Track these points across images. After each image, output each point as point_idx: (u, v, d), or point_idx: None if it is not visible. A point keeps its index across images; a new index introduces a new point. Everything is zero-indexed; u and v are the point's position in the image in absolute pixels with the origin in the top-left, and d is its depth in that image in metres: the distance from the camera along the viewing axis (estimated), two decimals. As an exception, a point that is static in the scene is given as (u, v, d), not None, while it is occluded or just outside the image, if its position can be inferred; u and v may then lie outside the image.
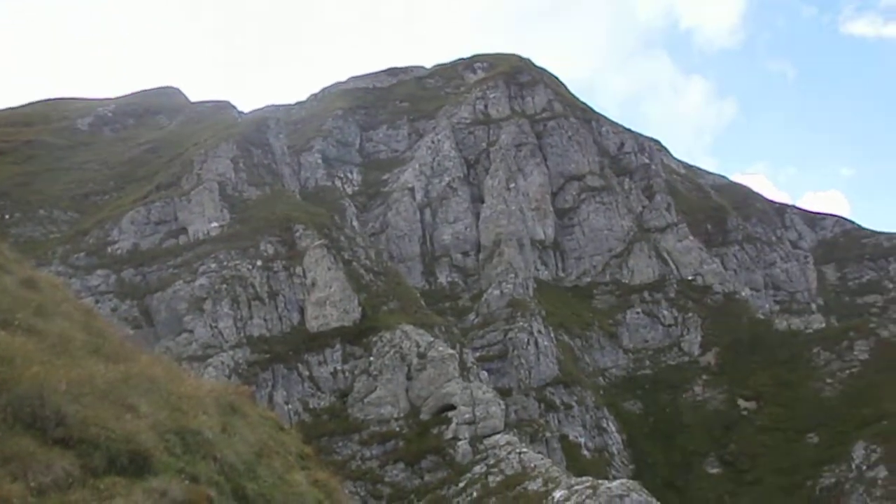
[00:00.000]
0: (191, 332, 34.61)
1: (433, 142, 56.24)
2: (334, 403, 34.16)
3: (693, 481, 36.73)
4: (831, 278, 62.22)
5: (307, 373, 34.73)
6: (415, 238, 49.38)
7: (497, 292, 44.76)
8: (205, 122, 52.48)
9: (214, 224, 39.83)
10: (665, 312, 49.35)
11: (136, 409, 6.27)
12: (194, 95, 66.53)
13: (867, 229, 70.00)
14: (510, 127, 56.95)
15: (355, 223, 47.52)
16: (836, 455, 36.50)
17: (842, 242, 66.77)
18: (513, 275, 45.43)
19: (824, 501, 34.25)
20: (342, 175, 55.29)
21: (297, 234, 39.67)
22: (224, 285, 36.00)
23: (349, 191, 53.71)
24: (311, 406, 34.03)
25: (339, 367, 35.13)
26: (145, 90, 62.84)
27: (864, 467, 35.12)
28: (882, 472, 34.49)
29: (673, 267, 52.77)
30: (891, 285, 60.75)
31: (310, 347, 35.55)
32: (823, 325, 47.79)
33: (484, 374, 38.29)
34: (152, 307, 35.71)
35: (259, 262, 37.76)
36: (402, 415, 33.85)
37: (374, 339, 35.98)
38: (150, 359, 8.27)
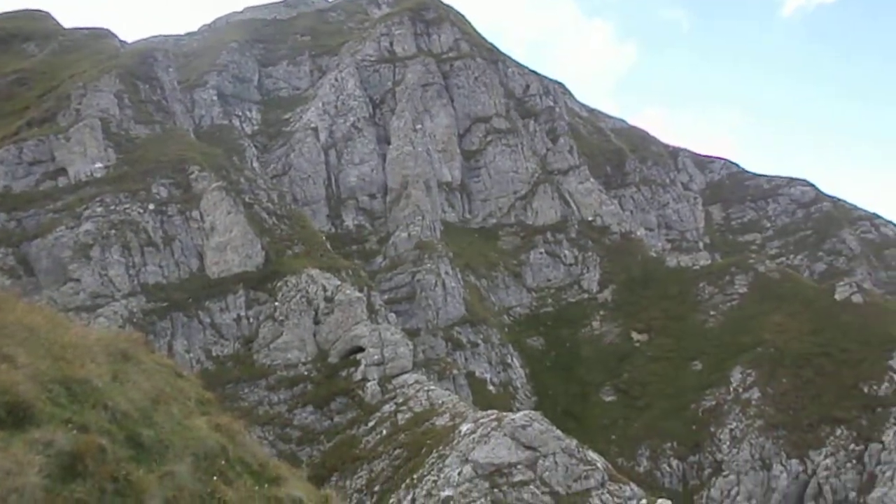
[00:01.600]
0: (77, 281, 32.39)
1: (337, 80, 54.29)
2: (239, 350, 33.38)
3: (590, 409, 39.17)
4: (717, 218, 66.61)
5: (209, 320, 33.59)
6: (319, 180, 48.07)
7: (404, 235, 44.69)
8: (81, 51, 47.87)
9: (98, 165, 36.94)
10: (566, 252, 51.23)
11: (13, 359, 5.80)
12: (67, 21, 60.43)
13: (750, 172, 75.03)
14: (416, 66, 55.82)
15: (255, 164, 45.60)
16: (717, 380, 39.80)
17: (727, 184, 71.36)
18: (420, 217, 45.41)
19: (705, 421, 37.49)
20: (240, 113, 52.57)
21: (193, 176, 37.58)
22: (113, 231, 33.76)
23: (248, 130, 51.23)
24: (214, 354, 33.08)
25: (242, 314, 34.18)
26: (8, 13, 56.19)
27: (741, 390, 38.53)
28: (755, 393, 37.98)
29: (574, 208, 54.54)
30: (768, 224, 65.94)
31: (210, 294, 34.28)
32: (709, 261, 51.24)
33: (392, 316, 38.53)
34: (31, 255, 33.00)
35: (151, 206, 35.58)
36: (309, 359, 33.62)
37: (279, 284, 35.17)
38: (29, 307, 7.66)
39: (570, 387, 41.12)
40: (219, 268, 35.17)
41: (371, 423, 30.65)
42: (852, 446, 33.67)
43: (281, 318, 34.04)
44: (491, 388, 39.93)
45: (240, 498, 6.35)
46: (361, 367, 32.62)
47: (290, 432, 31.64)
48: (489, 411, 27.69)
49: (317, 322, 34.39)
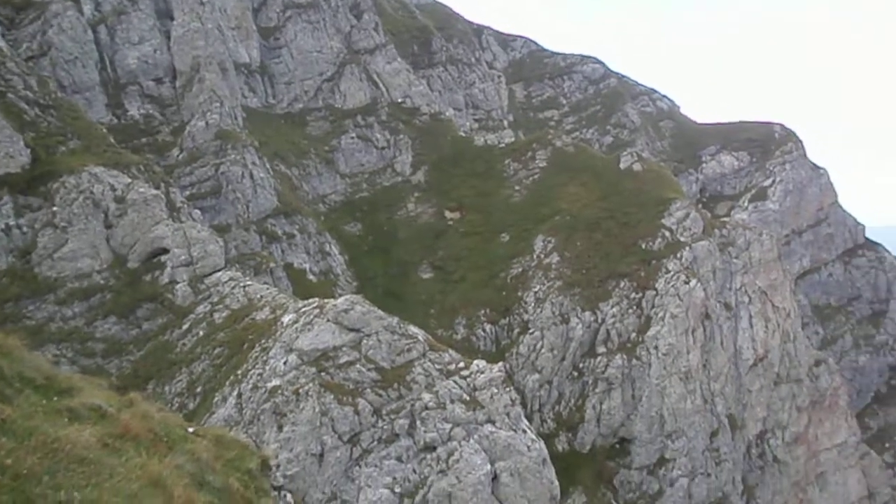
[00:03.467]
0: None
1: (98, -59, 45.90)
2: (14, 264, 29.19)
3: (410, 287, 40.68)
4: (519, 96, 69.49)
5: (-31, 232, 28.72)
6: (90, 63, 41.45)
7: (202, 124, 40.84)
8: None
9: None
10: (378, 136, 50.61)
11: None
12: None
13: (549, 50, 78.39)
14: (196, -72, 48.82)
15: (2, 44, 38.05)
16: (522, 249, 43.03)
17: (528, 62, 74.11)
18: (218, 103, 41.56)
19: (513, 287, 40.78)
20: (-27, -20, 42.81)
21: (-82, 59, 30.47)
22: None
23: (-13, 1, 42.16)
24: (-18, 271, 28.64)
25: (12, 223, 29.61)
26: None
27: (543, 256, 42.07)
28: (555, 258, 41.70)
29: (384, 90, 53.41)
30: (564, 101, 70.29)
31: (-33, 202, 29.11)
32: (513, 139, 53.79)
33: (197, 213, 35.86)
34: None
35: None
36: (105, 266, 30.48)
37: (55, 185, 30.74)
38: None
39: (390, 268, 42.17)
40: (-27, 171, 29.71)
41: (185, 326, 29.08)
42: (633, 295, 38.67)
43: (63, 224, 30.07)
44: (311, 277, 39.58)
45: (22, 414, 5.74)
46: (168, 270, 30.33)
47: (93, 346, 29.05)
48: (311, 300, 27.46)
49: (108, 226, 30.94)
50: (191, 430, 8.80)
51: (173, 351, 28.29)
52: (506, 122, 57.41)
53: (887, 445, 63.29)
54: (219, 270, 31.09)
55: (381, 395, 23.72)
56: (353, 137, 49.74)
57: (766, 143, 74.92)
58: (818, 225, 71.96)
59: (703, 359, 37.58)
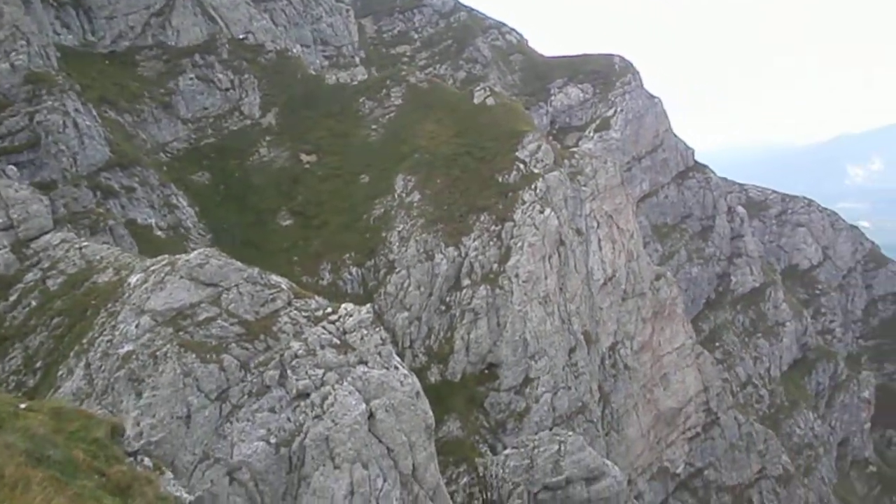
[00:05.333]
0: None
1: None
2: None
3: (269, 235, 39.07)
4: (370, 31, 67.38)
5: None
6: None
7: (5, 66, 35.54)
8: None
9: None
10: (220, 76, 47.03)
11: None
12: None
13: (395, -17, 76.22)
14: None
15: None
16: (383, 189, 42.65)
17: (376, -5, 71.75)
18: (24, 42, 36.19)
19: (377, 228, 40.52)
20: None
21: None
22: None
23: None
24: None
25: None
26: None
27: (404, 195, 42.01)
28: (416, 196, 41.80)
29: (222, 25, 49.38)
30: (416, 36, 69.19)
31: None
32: (366, 76, 52.27)
33: (12, 170, 31.67)
34: None
35: None
36: None
37: None
38: None
39: (246, 217, 40.13)
40: None
41: (13, 297, 26.05)
42: (493, 227, 39.88)
43: None
44: (159, 233, 36.74)
45: None
46: (-17, 236, 26.76)
47: None
48: (160, 257, 25.52)
49: None
50: (23, 406, 7.98)
51: (2, 326, 25.35)
52: (357, 59, 55.60)
53: (717, 344, 71.89)
54: (47, 233, 27.94)
55: (247, 349, 22.87)
56: (192, 78, 45.84)
57: (607, 75, 78.96)
58: (655, 151, 77.83)
59: (559, 283, 39.92)
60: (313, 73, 50.65)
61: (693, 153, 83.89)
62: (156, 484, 9.23)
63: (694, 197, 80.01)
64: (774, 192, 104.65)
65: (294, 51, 51.65)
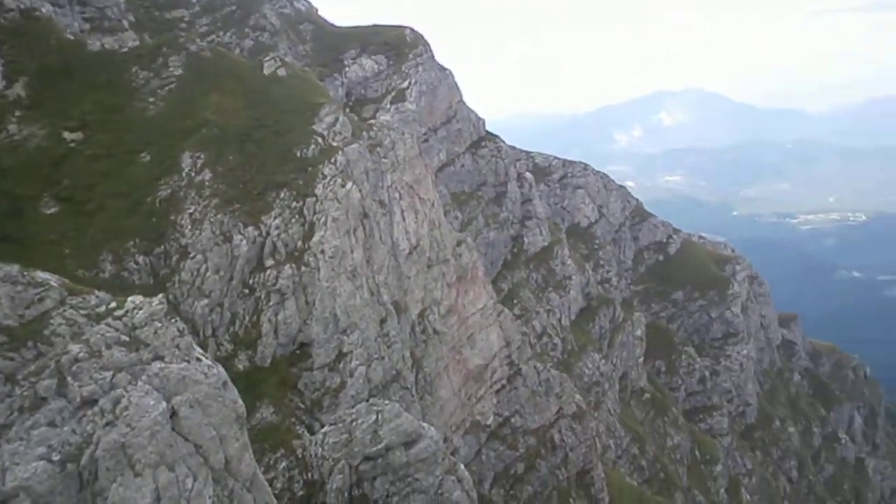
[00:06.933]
0: None
1: None
2: None
3: (30, 226, 33.78)
4: (137, -7, 60.46)
5: None
6: None
7: None
8: None
9: None
10: (-52, 40, 39.22)
11: None
12: None
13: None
14: None
15: None
16: (168, 168, 38.98)
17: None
18: None
19: (164, 211, 37.02)
20: None
21: None
22: None
23: None
24: None
25: None
26: None
27: (193, 174, 38.83)
28: (207, 175, 38.88)
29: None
30: (194, 0, 63.62)
31: None
32: (137, 42, 46.90)
33: None
34: None
35: None
36: None
37: None
38: None
39: (-1, 207, 34.27)
40: None
41: None
42: (294, 204, 38.54)
43: None
44: None
45: None
46: None
47: None
48: None
49: None
50: None
51: None
52: (126, 23, 49.56)
53: (515, 301, 77.52)
54: None
55: (12, 359, 19.81)
56: None
57: (399, 47, 79.76)
58: (449, 122, 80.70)
59: (365, 255, 39.94)
60: (71, 37, 44.31)
61: (484, 123, 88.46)
62: None
63: (487, 165, 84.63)
64: (556, 158, 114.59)
65: (44, 10, 44.63)
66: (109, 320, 21.21)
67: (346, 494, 27.35)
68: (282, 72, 47.44)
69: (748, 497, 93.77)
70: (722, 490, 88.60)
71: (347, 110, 56.76)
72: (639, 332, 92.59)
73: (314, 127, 43.18)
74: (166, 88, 43.12)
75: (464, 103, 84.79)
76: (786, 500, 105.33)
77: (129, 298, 22.19)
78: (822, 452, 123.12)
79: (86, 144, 38.11)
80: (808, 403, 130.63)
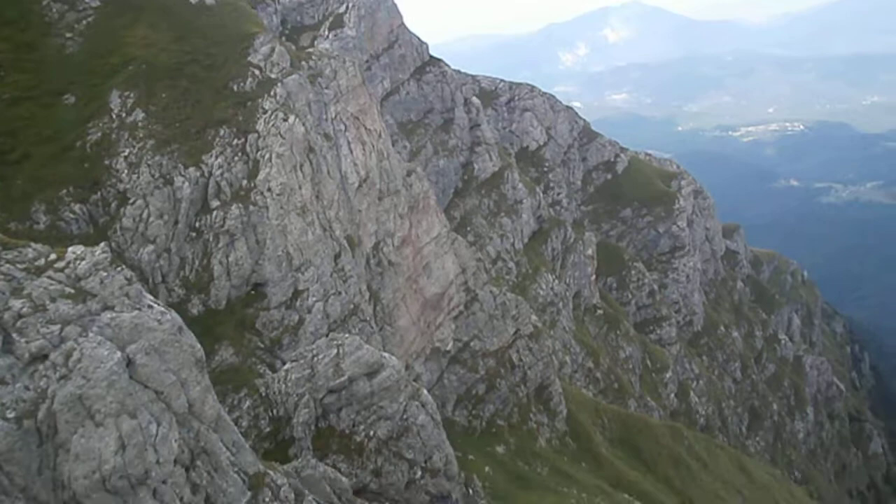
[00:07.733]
0: None
1: None
2: None
3: (-49, 180, 31.78)
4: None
5: None
6: None
7: None
8: None
9: None
10: None
11: None
12: None
13: None
14: None
15: None
16: (96, 110, 36.82)
17: None
18: None
19: (96, 156, 35.21)
20: None
21: None
22: None
23: None
24: None
25: None
26: None
27: (124, 115, 36.81)
28: (140, 115, 36.93)
29: None
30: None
31: None
32: (46, -27, 43.14)
33: None
34: None
35: None
36: None
37: None
38: None
39: (-87, 161, 31.98)
40: None
41: None
42: (235, 141, 37.16)
43: None
44: None
45: None
46: None
47: None
48: None
49: None
50: None
51: None
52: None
53: (468, 228, 77.95)
54: None
55: (-52, 320, 18.91)
56: None
57: (332, -31, 75.80)
58: (391, 48, 78.15)
59: (314, 191, 39.15)
60: (-28, -30, 40.45)
61: (427, 48, 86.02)
62: None
63: (433, 91, 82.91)
64: (503, 80, 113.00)
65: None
66: (51, 273, 20.37)
67: (312, 427, 27.80)
68: (210, 0, 44.67)
69: (696, 399, 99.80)
70: (672, 395, 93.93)
71: (284, 39, 54.22)
72: (590, 252, 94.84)
73: (250, 59, 41.17)
74: (84, 22, 40.14)
75: (405, 27, 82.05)
76: (731, 399, 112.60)
77: (70, 249, 21.28)
78: (763, 353, 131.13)
79: (2, 87, 35.51)
80: (750, 309, 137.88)
